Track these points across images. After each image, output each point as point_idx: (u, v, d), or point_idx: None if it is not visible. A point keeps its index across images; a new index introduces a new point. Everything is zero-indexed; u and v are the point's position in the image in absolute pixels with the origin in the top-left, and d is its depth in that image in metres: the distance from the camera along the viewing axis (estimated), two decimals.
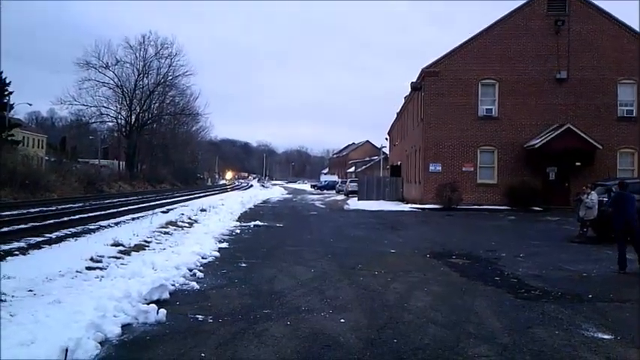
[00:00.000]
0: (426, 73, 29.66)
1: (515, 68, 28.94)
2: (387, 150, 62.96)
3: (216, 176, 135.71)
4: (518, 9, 29.35)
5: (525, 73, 28.86)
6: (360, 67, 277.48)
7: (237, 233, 16.12)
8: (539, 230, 18.60)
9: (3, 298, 6.54)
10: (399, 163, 43.98)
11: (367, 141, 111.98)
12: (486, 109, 29.32)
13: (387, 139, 58.52)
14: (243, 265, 10.35)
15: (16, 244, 11.63)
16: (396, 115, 48.03)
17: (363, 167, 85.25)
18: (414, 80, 32.03)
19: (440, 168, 28.98)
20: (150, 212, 21.15)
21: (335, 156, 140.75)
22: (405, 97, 40.81)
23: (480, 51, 29.31)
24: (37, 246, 11.72)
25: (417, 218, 23.51)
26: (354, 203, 34.40)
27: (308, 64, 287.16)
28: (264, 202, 38.71)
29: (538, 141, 27.60)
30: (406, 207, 30.12)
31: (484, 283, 8.92)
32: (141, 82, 69.86)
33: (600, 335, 6.02)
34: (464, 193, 27.93)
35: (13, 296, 6.73)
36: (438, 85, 29.33)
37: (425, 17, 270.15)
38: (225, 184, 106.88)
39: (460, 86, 29.16)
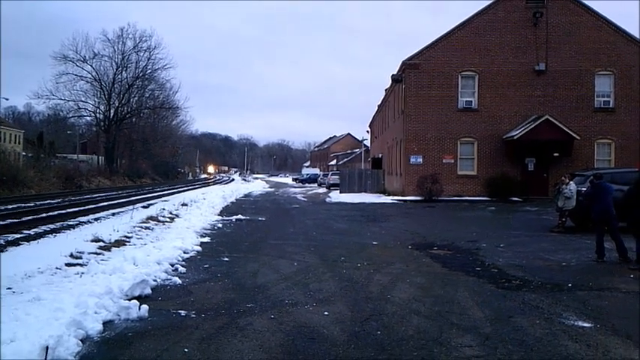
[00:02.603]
0: (407, 66, 29.72)
1: (494, 60, 29.15)
2: (368, 142, 63.10)
3: (198, 170, 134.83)
4: (497, 1, 29.49)
5: (504, 65, 29.09)
6: (343, 57, 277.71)
7: (219, 227, 16.04)
8: (519, 220, 18.83)
9: None
10: (380, 155, 44.11)
11: (348, 134, 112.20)
12: (466, 101, 29.50)
13: (368, 131, 58.62)
14: (226, 259, 10.30)
15: None
16: (377, 108, 48.10)
17: (345, 160, 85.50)
18: (395, 72, 32.09)
19: (421, 160, 29.12)
20: (130, 207, 20.90)
21: (317, 149, 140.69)
22: (385, 90, 40.88)
23: (459, 43, 29.44)
24: (16, 243, 11.52)
25: (398, 210, 23.62)
26: (335, 196, 34.46)
27: (290, 55, 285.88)
28: (246, 195, 38.58)
29: (517, 132, 27.88)
30: (388, 199, 30.26)
31: (466, 274, 9.01)
32: (119, 76, 68.87)
33: (580, 323, 6.11)
34: (445, 184, 28.13)
35: None
36: (419, 78, 29.41)
37: (411, 6, 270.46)
38: (206, 179, 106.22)
39: (440, 78, 29.29)
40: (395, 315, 6.40)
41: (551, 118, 27.52)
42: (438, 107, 29.16)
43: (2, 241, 11.57)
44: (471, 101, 29.46)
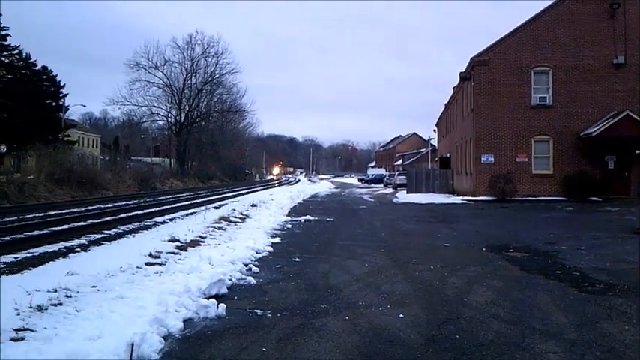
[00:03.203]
0: (476, 63, 28.97)
1: (569, 54, 27.91)
2: (435, 142, 62.06)
3: (264, 172, 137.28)
4: None
5: (580, 60, 27.80)
6: (407, 56, 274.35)
7: (288, 228, 16.20)
8: (600, 221, 17.89)
9: (69, 294, 6.75)
10: (448, 154, 43.24)
11: (414, 133, 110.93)
12: (540, 97, 28.38)
13: (435, 130, 57.63)
14: (297, 259, 10.37)
15: (77, 241, 12.05)
16: (444, 106, 47.21)
17: (411, 160, 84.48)
18: (463, 70, 31.36)
19: (492, 159, 28.30)
20: (202, 208, 21.54)
21: (382, 149, 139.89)
22: (453, 88, 40.06)
23: (531, 38, 28.40)
24: (97, 242, 12.11)
25: (469, 211, 23.03)
26: (403, 196, 34.07)
27: (353, 56, 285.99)
28: (313, 196, 38.83)
29: (595, 129, 26.53)
30: (457, 200, 29.59)
31: (545, 277, 8.62)
32: (189, 81, 71.48)
33: None
34: (518, 184, 27.21)
35: (78, 292, 6.92)
36: (489, 75, 28.62)
37: (475, 2, 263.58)
38: (272, 180, 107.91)
39: (511, 75, 28.37)
40: (473, 319, 6.20)
41: (632, 114, 25.97)
42: (509, 104, 28.25)
43: (85, 241, 12.21)
44: (545, 97, 28.32)
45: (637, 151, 26.36)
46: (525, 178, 27.91)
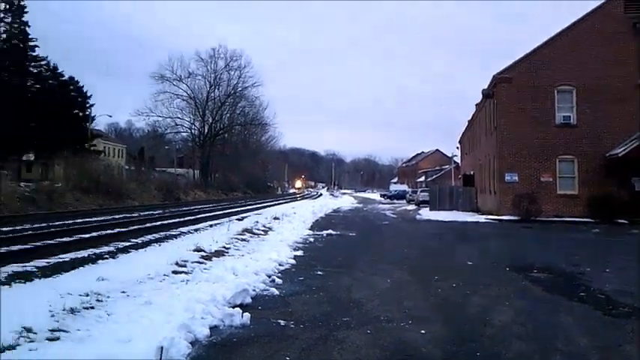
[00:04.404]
0: (498, 80, 28.88)
1: (592, 74, 27.57)
2: (458, 159, 61.74)
3: (286, 185, 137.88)
4: (592, 12, 28.08)
5: (603, 79, 27.41)
6: (430, 72, 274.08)
7: (310, 242, 16.32)
8: (627, 244, 17.61)
9: (100, 299, 6.98)
10: (471, 172, 42.99)
11: (437, 150, 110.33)
12: (564, 116, 28.10)
13: (458, 147, 57.39)
14: (320, 273, 10.48)
15: (105, 249, 12.35)
16: (467, 123, 47.04)
17: (434, 176, 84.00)
18: (485, 87, 31.30)
19: (516, 178, 28.08)
20: (226, 219, 21.80)
21: (404, 165, 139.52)
22: (476, 104, 39.93)
23: (554, 56, 28.20)
24: (125, 250, 12.40)
25: (493, 230, 22.88)
26: (425, 213, 33.97)
27: (375, 71, 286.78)
28: (335, 211, 38.92)
29: (621, 150, 26.18)
30: (481, 218, 29.36)
31: (569, 299, 8.57)
32: (212, 94, 72.75)
33: None
34: (543, 204, 26.90)
35: (108, 296, 7.15)
36: (512, 92, 28.47)
37: (496, 18, 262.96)
38: (294, 193, 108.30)
39: (535, 93, 28.16)
40: (494, 337, 6.22)
41: None
42: (533, 123, 28.04)
43: (113, 248, 12.51)
44: (570, 116, 28.06)
45: None
46: (550, 198, 27.59)
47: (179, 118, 71.00)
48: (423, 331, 6.36)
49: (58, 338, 5.27)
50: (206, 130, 72.26)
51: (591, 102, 27.67)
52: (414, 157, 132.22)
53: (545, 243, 17.98)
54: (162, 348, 4.98)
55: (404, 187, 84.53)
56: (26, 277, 8.47)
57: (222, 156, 77.86)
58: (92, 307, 6.52)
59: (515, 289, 9.30)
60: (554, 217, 26.70)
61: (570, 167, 28.06)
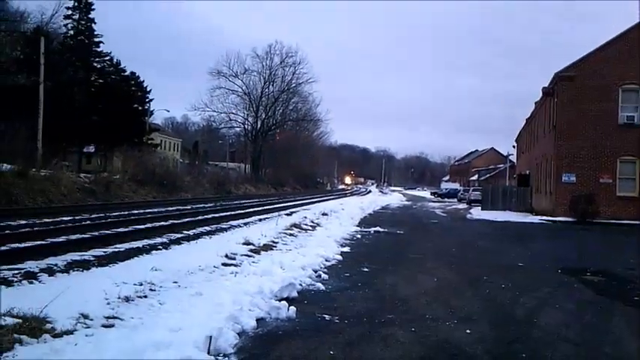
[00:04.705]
0: (560, 78, 28.00)
1: None
2: (513, 158, 60.18)
3: (335, 181, 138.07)
4: None
5: None
6: (486, 70, 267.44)
7: (358, 238, 16.34)
8: None
9: (153, 288, 7.26)
10: (527, 172, 41.85)
11: (492, 148, 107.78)
12: (627, 116, 27.00)
13: (514, 146, 55.91)
14: (366, 269, 10.50)
15: (159, 240, 12.75)
16: (524, 122, 45.77)
17: (487, 175, 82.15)
18: (546, 85, 30.38)
19: (574, 178, 27.17)
20: (275, 214, 22.09)
21: (456, 163, 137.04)
22: (535, 103, 38.80)
23: (619, 54, 27.05)
24: (177, 242, 12.78)
25: (547, 231, 22.27)
26: (477, 213, 33.34)
27: (428, 68, 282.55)
28: (384, 208, 38.73)
29: None
30: (535, 219, 28.59)
31: (622, 303, 8.29)
32: (267, 90, 73.66)
33: None
34: (601, 206, 25.95)
35: (161, 286, 7.43)
36: (573, 91, 27.54)
37: (555, 16, 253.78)
38: (344, 189, 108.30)
39: (597, 91, 27.12)
40: (542, 340, 6.10)
41: None
42: (594, 122, 27.04)
43: (166, 239, 12.91)
44: (633, 117, 26.93)
45: None
46: (609, 200, 26.56)
47: (233, 113, 72.40)
48: (468, 331, 6.30)
49: (112, 325, 5.53)
50: (259, 126, 73.29)
51: None
52: (467, 155, 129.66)
53: (600, 246, 17.40)
54: (210, 337, 5.14)
55: (456, 186, 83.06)
56: (84, 265, 8.88)
57: (273, 151, 78.81)
58: (145, 296, 6.79)
59: (566, 292, 9.07)
60: (612, 220, 25.69)
61: (631, 168, 26.94)
